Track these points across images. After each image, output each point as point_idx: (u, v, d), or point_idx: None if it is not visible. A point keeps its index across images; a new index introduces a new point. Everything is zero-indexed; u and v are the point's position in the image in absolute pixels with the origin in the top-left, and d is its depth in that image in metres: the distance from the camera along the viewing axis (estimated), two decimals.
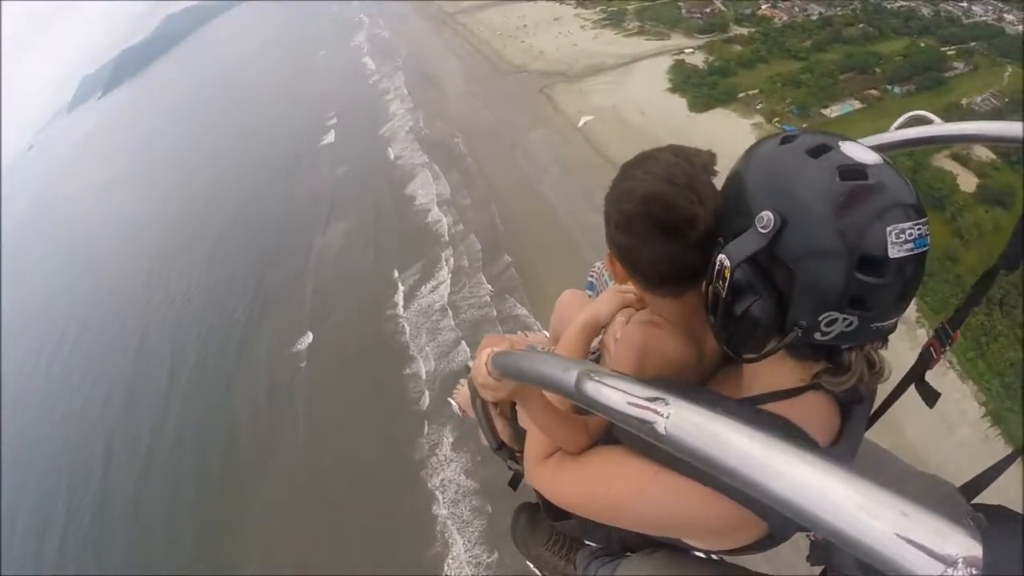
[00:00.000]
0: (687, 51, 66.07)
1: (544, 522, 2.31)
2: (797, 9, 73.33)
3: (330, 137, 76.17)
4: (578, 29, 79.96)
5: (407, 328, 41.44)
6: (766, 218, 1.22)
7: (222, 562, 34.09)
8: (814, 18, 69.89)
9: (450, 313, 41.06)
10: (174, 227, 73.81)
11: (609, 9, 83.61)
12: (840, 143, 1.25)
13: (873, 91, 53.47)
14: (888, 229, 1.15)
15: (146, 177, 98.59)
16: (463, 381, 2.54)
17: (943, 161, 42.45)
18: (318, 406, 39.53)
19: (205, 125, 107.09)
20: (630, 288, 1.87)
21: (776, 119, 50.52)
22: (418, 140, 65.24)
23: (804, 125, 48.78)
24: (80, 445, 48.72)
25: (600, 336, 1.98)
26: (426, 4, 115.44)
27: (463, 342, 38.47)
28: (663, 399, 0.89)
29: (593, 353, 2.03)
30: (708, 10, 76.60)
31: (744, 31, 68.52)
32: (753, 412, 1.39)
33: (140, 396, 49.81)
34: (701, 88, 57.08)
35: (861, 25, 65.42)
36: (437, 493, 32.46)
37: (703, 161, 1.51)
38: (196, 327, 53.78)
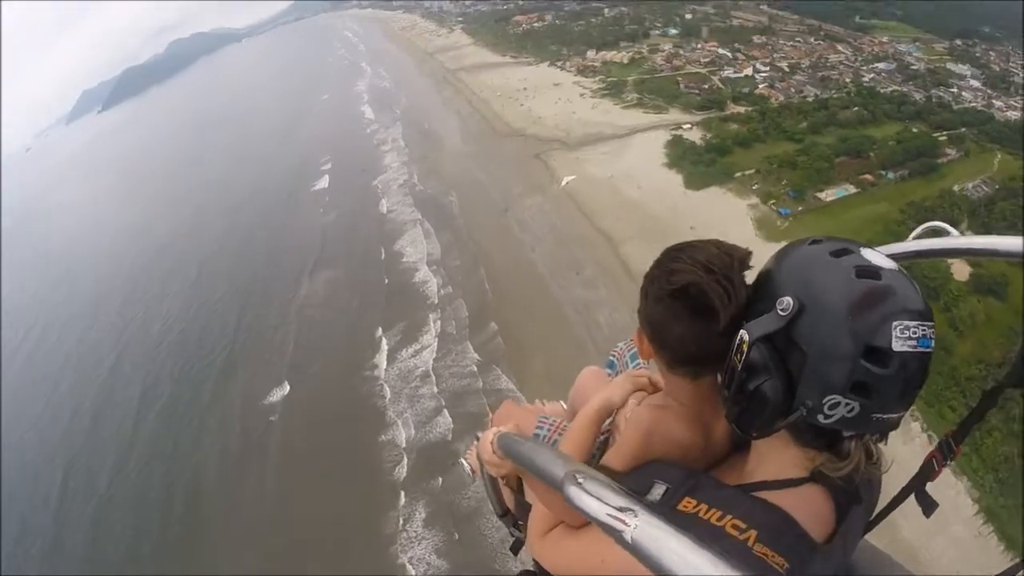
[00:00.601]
0: (685, 126, 66.72)
1: None
2: (793, 90, 74.98)
3: (323, 182, 75.83)
4: (577, 97, 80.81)
5: (387, 391, 39.63)
6: (786, 302, 1.37)
7: None
8: (810, 99, 71.49)
9: (433, 379, 39.32)
10: (159, 248, 72.66)
11: (608, 79, 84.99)
12: (861, 249, 1.41)
13: (868, 176, 53.69)
14: (894, 324, 1.27)
15: (136, 195, 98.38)
16: (475, 444, 2.56)
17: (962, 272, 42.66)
18: (288, 463, 37.39)
19: (200, 152, 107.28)
20: (644, 373, 2.06)
21: (772, 201, 50.45)
22: (411, 195, 64.74)
23: (799, 208, 48.83)
24: (39, 462, 46.46)
25: (612, 417, 2.08)
26: (429, 58, 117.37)
27: (445, 411, 36.78)
28: (633, 511, 1.01)
29: (603, 434, 2.11)
30: (706, 86, 78.02)
31: (741, 109, 69.49)
32: (749, 499, 1.46)
33: (107, 422, 47.69)
34: (698, 165, 57.10)
35: (856, 108, 66.81)
36: (410, 568, 30.44)
37: (740, 256, 1.61)
38: (172, 358, 51.82)
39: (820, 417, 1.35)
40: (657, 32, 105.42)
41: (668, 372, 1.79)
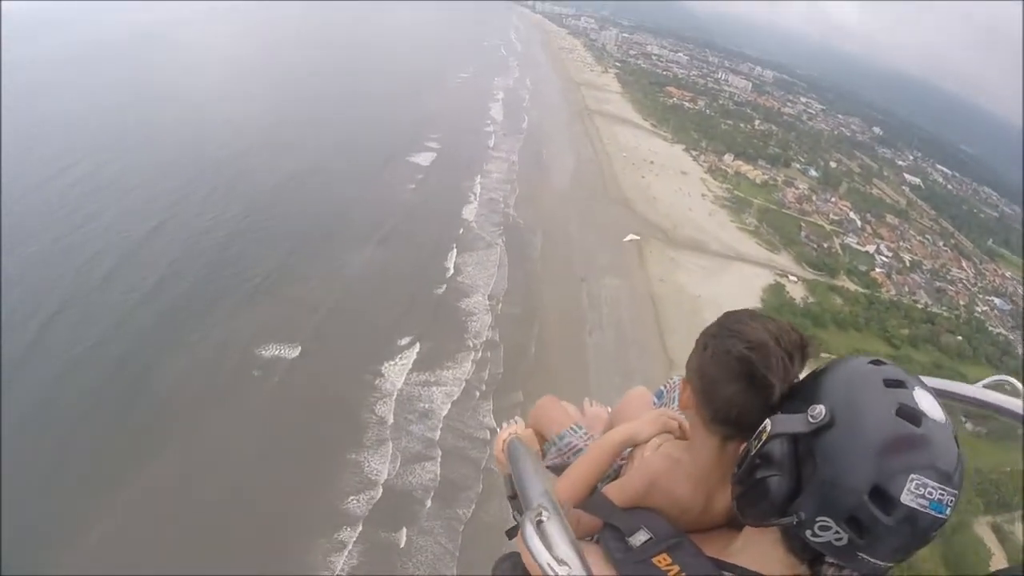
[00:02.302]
0: (791, 278, 64.17)
1: None
2: (907, 288, 71.76)
3: (423, 159, 73.91)
4: (699, 195, 78.79)
5: (389, 410, 36.44)
6: (818, 410, 1.34)
7: (67, 509, 29.09)
8: (920, 306, 68.06)
9: (438, 425, 35.98)
10: (247, 144, 70.22)
11: (735, 192, 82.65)
12: (916, 387, 1.34)
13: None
14: (912, 476, 1.22)
15: (245, 82, 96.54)
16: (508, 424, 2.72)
17: (983, 529, 39.50)
18: (252, 427, 34.27)
19: (326, 73, 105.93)
20: (678, 417, 2.04)
21: None
22: (501, 215, 62.66)
23: None
24: (40, 284, 44.66)
25: (632, 448, 2.10)
26: (574, 88, 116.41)
27: (438, 466, 33.30)
28: (568, 566, 1.14)
29: (621, 460, 2.14)
30: (826, 245, 75.33)
31: (852, 286, 66.72)
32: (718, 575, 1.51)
33: (116, 285, 45.58)
34: None
35: (960, 338, 62.98)
36: None
37: (806, 340, 1.61)
38: (205, 259, 49.45)
39: (808, 533, 1.33)
40: (798, 166, 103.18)
41: (702, 427, 1.76)
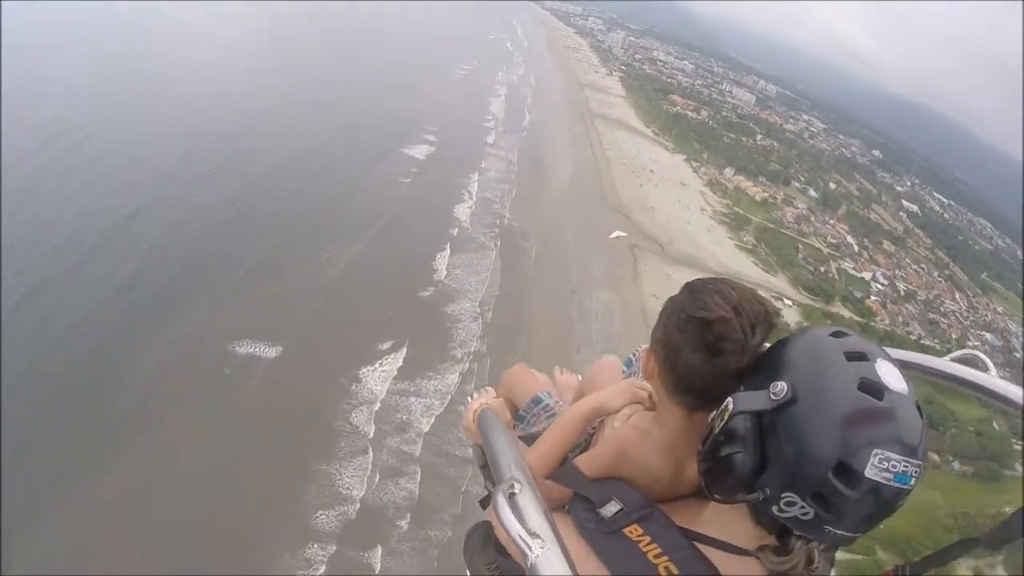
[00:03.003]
0: (786, 302, 62.89)
1: (492, 547, 2.35)
2: (901, 319, 71.07)
3: (418, 151, 71.44)
4: (698, 209, 77.63)
5: (368, 421, 34.39)
6: (780, 387, 1.33)
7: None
8: (912, 337, 67.25)
9: (417, 441, 33.91)
10: (244, 126, 66.77)
11: (735, 208, 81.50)
12: (879, 359, 1.33)
13: (936, 455, 49.01)
14: (875, 451, 1.22)
15: (245, 65, 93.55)
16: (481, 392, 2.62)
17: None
18: (219, 425, 32.26)
19: (322, 56, 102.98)
20: (647, 388, 2.01)
21: None
22: (494, 217, 60.65)
23: None
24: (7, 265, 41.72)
25: (602, 418, 2.17)
26: (578, 88, 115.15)
27: (414, 482, 31.50)
28: (541, 539, 1.16)
29: (592, 431, 2.22)
30: (823, 268, 74.35)
31: (846, 313, 65.81)
32: (691, 548, 1.50)
33: (93, 269, 43.23)
34: None
35: None
36: None
37: (770, 309, 1.60)
38: (187, 246, 46.91)
39: (774, 508, 1.34)
40: (797, 185, 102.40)
41: (667, 397, 1.76)
